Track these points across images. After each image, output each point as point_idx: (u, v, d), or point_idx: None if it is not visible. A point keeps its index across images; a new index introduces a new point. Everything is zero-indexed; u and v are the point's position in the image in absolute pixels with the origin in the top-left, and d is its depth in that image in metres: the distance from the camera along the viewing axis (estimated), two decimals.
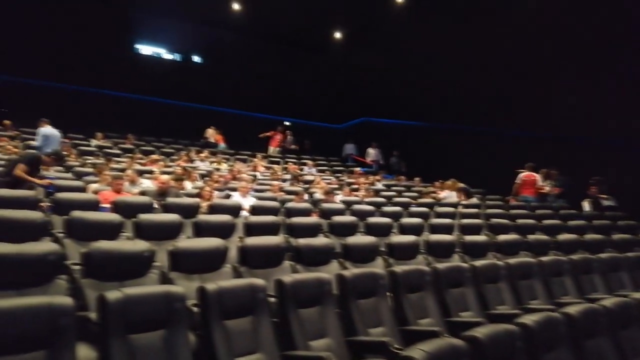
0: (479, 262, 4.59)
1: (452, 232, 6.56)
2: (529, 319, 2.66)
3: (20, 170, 6.02)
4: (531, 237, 6.42)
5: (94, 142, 12.21)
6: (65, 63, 13.77)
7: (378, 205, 7.94)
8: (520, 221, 7.52)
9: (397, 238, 5.30)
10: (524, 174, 9.90)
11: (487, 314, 4.14)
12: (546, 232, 7.07)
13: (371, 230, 5.99)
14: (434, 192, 10.53)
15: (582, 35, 10.56)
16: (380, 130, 16.75)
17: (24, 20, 13.20)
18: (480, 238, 5.93)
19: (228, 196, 7.53)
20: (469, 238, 5.71)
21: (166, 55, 17.16)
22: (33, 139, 9.40)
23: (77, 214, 4.17)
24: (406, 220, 6.89)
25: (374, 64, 15.75)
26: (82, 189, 6.23)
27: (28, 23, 13.28)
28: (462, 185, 10.10)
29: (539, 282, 4.77)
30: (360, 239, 5.13)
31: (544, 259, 5.12)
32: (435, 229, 6.47)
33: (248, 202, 7.00)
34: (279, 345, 2.93)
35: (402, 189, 11.45)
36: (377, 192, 10.12)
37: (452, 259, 5.26)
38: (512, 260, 4.84)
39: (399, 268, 3.96)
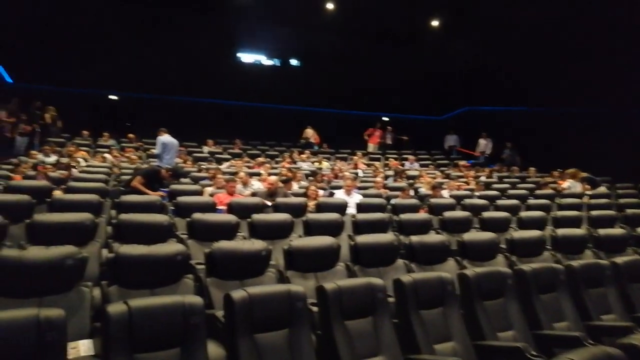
0: (619, 259, 4.05)
1: (580, 226, 5.93)
2: None
3: (136, 182, 6.53)
4: None
5: (205, 148, 13.04)
6: (177, 77, 14.90)
7: (491, 198, 7.44)
8: None
9: (519, 233, 4.88)
10: None
11: (634, 317, 3.64)
12: None
13: (486, 225, 5.61)
14: (553, 183, 9.64)
15: None
16: (484, 119, 15.82)
17: (136, 41, 14.49)
18: (616, 231, 5.28)
19: (331, 194, 7.55)
20: (603, 232, 5.10)
21: (266, 61, 17.81)
22: (154, 148, 10.22)
23: (197, 216, 4.40)
24: (525, 213, 6.35)
25: (473, 50, 14.87)
26: (200, 193, 6.60)
27: (142, 44, 14.56)
28: (585, 174, 9.15)
29: None
30: (477, 235, 4.81)
31: None
32: (560, 223, 5.90)
33: (353, 199, 6.94)
34: (402, 348, 2.79)
35: (516, 180, 10.66)
36: (487, 185, 9.52)
37: (583, 256, 4.74)
38: None
39: (527, 266, 3.61)
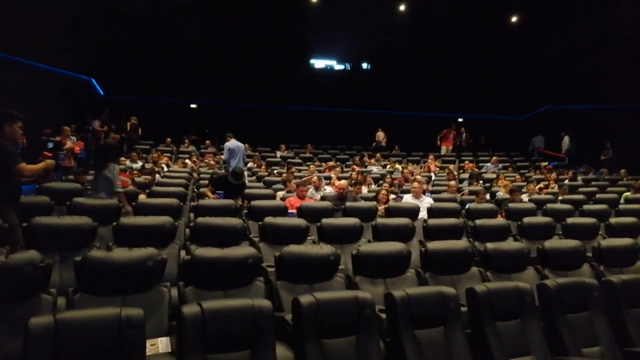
0: None
1: None
2: None
3: (207, 191, 6.80)
4: None
5: (278, 153, 13.38)
6: (253, 86, 15.44)
7: (577, 203, 6.93)
8: None
9: (608, 241, 4.49)
10: None
11: None
12: None
13: (571, 232, 5.23)
14: None
15: None
16: (569, 118, 14.78)
17: (214, 52, 15.20)
18: None
19: (399, 199, 7.41)
20: None
21: (337, 66, 17.95)
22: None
23: (269, 219, 4.50)
24: (616, 220, 5.84)
25: (557, 45, 13.96)
26: (272, 197, 6.76)
27: (219, 54, 15.25)
28: None
29: None
30: (560, 242, 4.50)
31: None
32: None
33: (423, 203, 6.76)
34: None
35: (605, 183, 9.86)
36: (571, 189, 8.89)
37: None
38: None
39: (616, 277, 3.32)
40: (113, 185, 5.33)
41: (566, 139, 13.98)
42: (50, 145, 8.82)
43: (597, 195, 7.93)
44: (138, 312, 2.13)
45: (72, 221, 3.74)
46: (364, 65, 18.12)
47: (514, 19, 15.42)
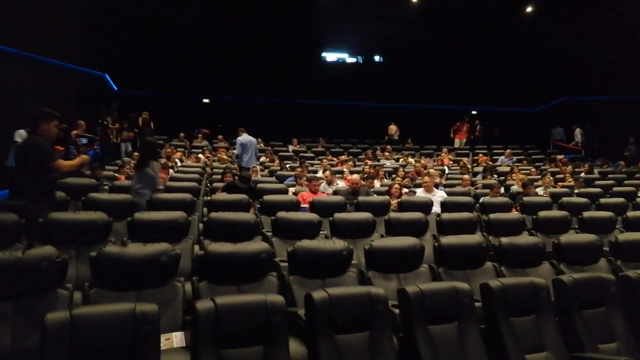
0: None
1: None
2: None
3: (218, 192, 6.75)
4: None
5: (290, 147, 13.38)
6: (265, 80, 15.44)
7: (593, 196, 6.83)
8: None
9: (625, 235, 4.41)
10: None
11: None
12: None
13: (587, 226, 5.16)
14: None
15: None
16: (585, 110, 14.54)
17: (226, 46, 15.21)
18: None
19: (413, 193, 7.35)
20: None
21: (349, 59, 17.85)
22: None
23: (281, 214, 4.50)
24: (633, 213, 5.74)
25: (574, 35, 13.68)
26: (285, 191, 6.77)
27: (231, 49, 15.27)
28: None
29: None
30: (576, 237, 4.43)
31: None
32: None
33: (436, 197, 6.70)
34: (490, 356, 2.65)
35: (623, 176, 9.69)
36: (587, 182, 8.74)
37: None
38: None
39: (634, 272, 3.26)
40: (155, 182, 5.43)
41: (578, 132, 13.75)
42: (84, 141, 8.99)
43: (614, 189, 7.79)
44: (152, 307, 2.15)
45: (88, 216, 3.78)
46: (376, 58, 18.00)
47: (528, 9, 15.17)
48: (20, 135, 7.87)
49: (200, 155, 11.30)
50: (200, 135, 13.84)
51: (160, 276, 2.95)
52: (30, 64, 10.23)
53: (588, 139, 13.07)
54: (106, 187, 6.53)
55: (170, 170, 8.65)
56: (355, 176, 7.07)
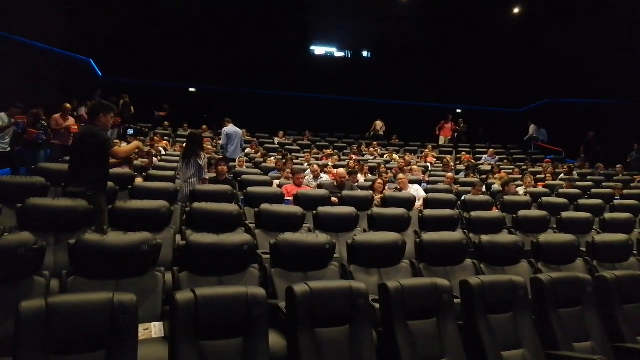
0: None
1: None
2: None
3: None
4: None
5: (276, 140, 13.32)
6: (252, 70, 15.32)
7: (572, 197, 6.95)
8: None
9: (602, 236, 4.51)
10: None
11: None
12: None
13: (565, 226, 5.25)
14: None
15: None
16: (568, 112, 14.77)
17: (214, 36, 15.03)
18: None
19: (399, 190, 7.39)
20: None
21: (337, 53, 17.81)
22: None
23: (265, 206, 4.48)
24: (610, 215, 5.86)
25: (563, 38, 13.84)
26: (269, 184, 6.74)
27: (219, 38, 15.09)
28: None
29: None
30: (554, 236, 4.50)
31: None
32: None
33: (411, 192, 6.77)
34: (467, 352, 2.69)
35: (601, 178, 9.88)
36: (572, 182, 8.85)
37: None
38: None
39: (610, 273, 3.34)
40: (202, 171, 5.62)
41: (532, 128, 14.35)
42: (131, 131, 9.03)
43: (592, 190, 7.94)
44: (131, 297, 2.12)
45: (67, 203, 3.71)
46: (365, 54, 17.99)
47: (515, 10, 15.30)
48: (2, 118, 7.69)
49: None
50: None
51: (140, 265, 2.92)
52: (12, 45, 9.99)
53: (592, 146, 12.94)
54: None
55: (154, 159, 8.54)
56: (342, 170, 7.08)
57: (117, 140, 8.86)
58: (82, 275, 2.77)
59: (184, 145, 6.63)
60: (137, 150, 4.46)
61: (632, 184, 9.10)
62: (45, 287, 2.64)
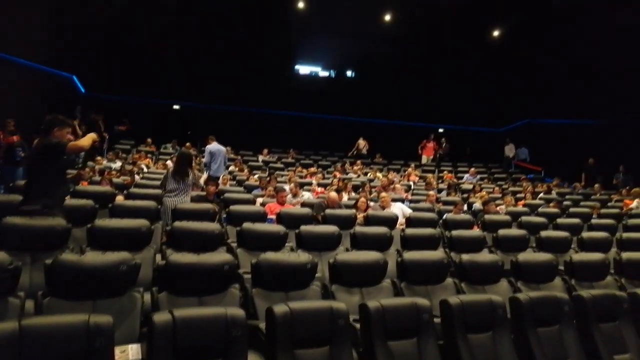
0: None
1: None
2: None
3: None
4: None
5: (260, 157, 13.33)
6: (237, 88, 15.37)
7: (551, 216, 7.07)
8: None
9: (579, 255, 4.60)
10: None
11: None
12: None
13: (544, 245, 5.34)
14: (619, 202, 9.06)
15: None
16: (547, 132, 15.13)
17: (199, 53, 15.09)
18: None
19: (382, 209, 7.40)
20: None
21: (322, 72, 18.01)
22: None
23: (247, 225, 4.46)
24: (588, 234, 5.98)
25: (541, 60, 14.24)
26: (252, 202, 6.72)
27: (204, 56, 15.15)
28: None
29: None
30: (533, 255, 4.58)
31: None
32: (626, 246, 5.51)
33: (393, 210, 6.79)
34: None
35: (579, 197, 10.08)
36: (547, 202, 9.04)
37: None
38: None
39: (586, 292, 3.40)
40: (189, 189, 5.85)
41: (506, 148, 14.92)
42: None
43: (571, 209, 8.10)
44: (107, 319, 2.09)
45: (44, 222, 3.65)
46: (349, 73, 18.24)
47: (496, 32, 15.72)
48: None
49: (168, 162, 11.09)
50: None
51: (118, 286, 2.88)
52: None
53: (592, 172, 13.04)
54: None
55: (136, 177, 8.47)
56: (333, 194, 7.00)
57: (99, 158, 8.80)
58: (59, 296, 2.71)
59: (174, 162, 6.64)
60: (94, 140, 4.31)
61: (609, 204, 9.30)
62: (20, 308, 2.58)
